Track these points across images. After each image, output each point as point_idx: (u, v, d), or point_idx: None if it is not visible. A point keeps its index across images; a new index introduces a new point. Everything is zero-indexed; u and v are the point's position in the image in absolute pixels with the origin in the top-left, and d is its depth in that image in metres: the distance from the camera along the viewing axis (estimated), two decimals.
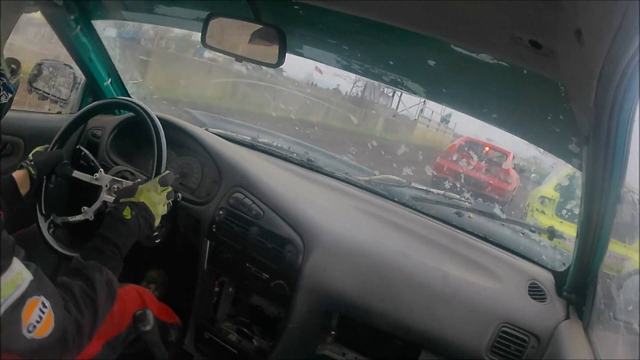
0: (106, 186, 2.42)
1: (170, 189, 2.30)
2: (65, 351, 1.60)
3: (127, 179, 2.49)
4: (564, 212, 7.13)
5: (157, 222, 2.21)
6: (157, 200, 2.21)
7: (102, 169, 2.47)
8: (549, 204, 8.39)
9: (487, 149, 12.42)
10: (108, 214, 2.09)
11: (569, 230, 5.30)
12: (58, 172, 2.42)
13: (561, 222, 6.33)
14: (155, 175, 2.36)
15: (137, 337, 2.28)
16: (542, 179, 9.32)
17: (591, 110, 1.43)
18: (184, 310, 2.74)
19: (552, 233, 2.72)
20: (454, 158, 10.39)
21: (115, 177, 2.46)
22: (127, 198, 2.14)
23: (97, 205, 2.39)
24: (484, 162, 11.47)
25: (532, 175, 10.31)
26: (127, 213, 2.06)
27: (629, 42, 1.09)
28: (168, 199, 2.29)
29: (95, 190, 2.46)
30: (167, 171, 2.39)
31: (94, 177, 2.44)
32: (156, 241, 2.59)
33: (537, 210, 8.50)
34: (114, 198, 2.30)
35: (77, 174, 2.44)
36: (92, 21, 2.92)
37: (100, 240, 1.95)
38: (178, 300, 2.76)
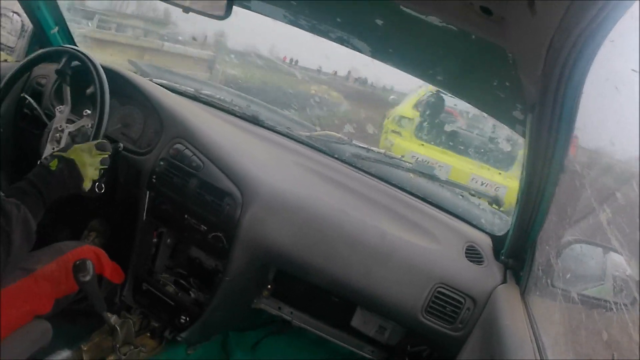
0: (59, 127, 2.40)
1: (106, 155, 2.21)
2: None
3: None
4: (422, 132, 7.65)
5: (86, 184, 2.14)
6: (88, 162, 2.14)
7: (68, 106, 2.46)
8: (407, 125, 7.76)
9: None
10: (40, 163, 2.05)
11: (432, 153, 5.96)
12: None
13: (422, 144, 7.03)
14: (94, 138, 2.30)
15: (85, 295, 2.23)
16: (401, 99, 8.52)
17: (539, 79, 1.42)
18: (123, 261, 2.66)
19: (495, 200, 2.77)
20: None
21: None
22: (60, 152, 2.10)
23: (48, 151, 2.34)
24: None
25: (391, 97, 9.06)
26: (53, 165, 2.03)
27: (582, 15, 1.07)
28: (102, 165, 2.20)
29: (38, 141, 2.44)
30: (105, 141, 2.29)
31: (58, 109, 2.45)
32: (97, 191, 2.54)
33: (392, 131, 7.71)
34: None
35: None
36: None
37: (25, 182, 1.95)
38: (118, 251, 2.67)
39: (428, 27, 1.85)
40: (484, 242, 2.55)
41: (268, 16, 2.69)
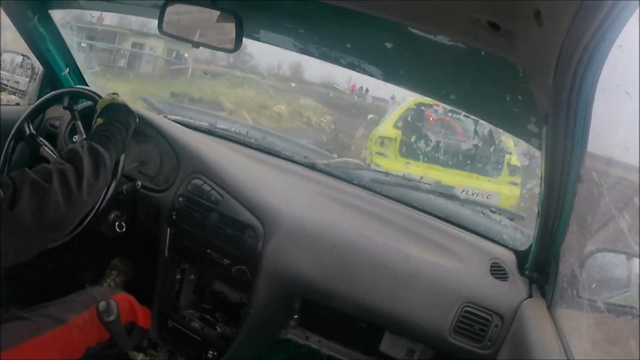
0: None
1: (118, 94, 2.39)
2: (41, 192, 1.68)
3: None
4: (406, 150, 7.43)
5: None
6: (114, 96, 2.35)
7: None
8: (389, 145, 7.66)
9: None
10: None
11: (419, 170, 5.62)
12: None
13: (407, 162, 6.93)
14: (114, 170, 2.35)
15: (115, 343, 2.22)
16: (381, 118, 8.37)
17: (550, 90, 1.42)
18: (147, 299, 2.64)
19: (512, 214, 2.77)
20: None
21: None
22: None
23: None
24: None
25: (370, 115, 8.61)
26: (99, 121, 2.19)
27: (588, 23, 1.07)
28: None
29: None
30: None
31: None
32: (117, 230, 2.57)
33: (376, 153, 7.55)
34: None
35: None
36: (49, 11, 2.83)
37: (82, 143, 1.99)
38: (141, 289, 2.67)
39: (437, 47, 1.87)
40: (508, 258, 2.53)
41: (278, 46, 2.72)
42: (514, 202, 6.93)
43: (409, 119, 7.89)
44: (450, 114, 7.39)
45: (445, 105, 5.56)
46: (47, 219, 1.70)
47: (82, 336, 2.02)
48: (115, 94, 2.38)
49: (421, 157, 7.28)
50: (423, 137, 7.46)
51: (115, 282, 2.91)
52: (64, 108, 2.56)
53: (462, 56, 1.90)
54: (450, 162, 7.26)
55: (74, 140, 2.53)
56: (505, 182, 7.28)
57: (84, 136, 2.48)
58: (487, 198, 6.84)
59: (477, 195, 6.75)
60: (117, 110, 2.25)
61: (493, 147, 7.28)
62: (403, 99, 7.63)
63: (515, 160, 7.33)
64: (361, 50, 2.41)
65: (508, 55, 1.63)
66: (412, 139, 7.55)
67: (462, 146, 7.57)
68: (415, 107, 7.68)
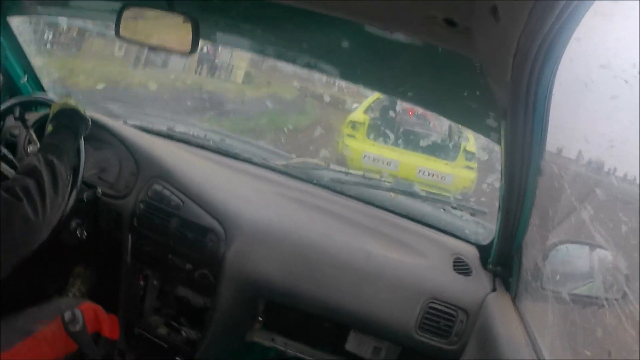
0: None
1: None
2: (10, 207, 1.70)
3: None
4: (373, 134, 8.61)
5: (82, 111, 2.30)
6: (66, 100, 2.32)
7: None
8: (359, 128, 8.64)
9: None
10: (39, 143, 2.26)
11: (382, 151, 7.09)
12: None
13: (373, 144, 8.30)
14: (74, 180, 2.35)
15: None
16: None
17: (508, 85, 1.42)
18: (112, 307, 2.62)
19: (473, 209, 2.79)
20: None
21: None
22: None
23: None
24: None
25: (354, 105, 9.91)
26: (49, 129, 2.19)
27: (545, 17, 1.07)
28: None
29: None
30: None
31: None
32: (80, 237, 2.53)
33: (347, 135, 8.63)
34: None
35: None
36: (6, 18, 2.77)
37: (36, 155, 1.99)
38: (106, 297, 2.65)
39: (394, 45, 1.87)
40: (471, 253, 2.55)
41: (235, 47, 2.71)
42: (467, 184, 7.90)
43: (376, 107, 8.98)
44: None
45: None
46: (17, 234, 1.72)
47: (50, 349, 1.99)
48: (68, 97, 2.36)
49: (384, 140, 8.54)
50: (388, 122, 8.71)
51: (80, 290, 2.87)
52: (15, 119, 2.53)
53: (419, 53, 1.91)
54: (410, 146, 8.38)
55: (28, 151, 2.49)
56: (460, 166, 8.14)
57: (38, 146, 2.45)
58: (441, 179, 7.84)
59: (433, 176, 7.86)
60: (68, 116, 2.23)
61: (450, 133, 8.47)
62: None
63: (471, 146, 8.24)
64: (318, 50, 2.41)
65: (465, 52, 1.64)
66: (377, 125, 8.70)
67: (422, 132, 8.78)
68: (382, 96, 8.29)
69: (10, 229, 1.68)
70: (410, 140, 8.47)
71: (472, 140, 8.23)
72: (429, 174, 7.89)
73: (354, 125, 8.76)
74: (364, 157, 8.09)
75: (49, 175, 1.88)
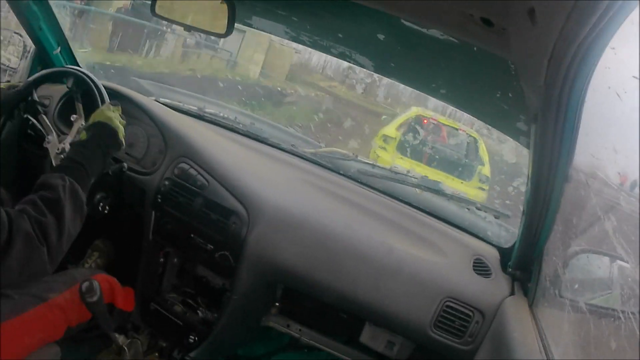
0: (57, 150, 2.41)
1: (119, 108, 2.34)
2: (33, 250, 1.70)
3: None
4: (403, 149, 9.32)
5: (120, 135, 2.25)
6: (111, 115, 2.25)
7: (52, 134, 2.47)
8: (390, 142, 9.40)
9: None
10: (71, 143, 2.26)
11: (406, 164, 7.26)
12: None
13: (401, 157, 8.92)
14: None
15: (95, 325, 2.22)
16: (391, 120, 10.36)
17: (541, 88, 1.41)
18: (129, 281, 2.62)
19: (497, 212, 2.77)
20: None
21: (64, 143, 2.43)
22: (84, 125, 2.23)
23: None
24: None
25: (383, 117, 11.55)
26: (83, 136, 2.14)
27: (582, 23, 1.06)
28: (122, 119, 2.31)
29: (42, 162, 2.47)
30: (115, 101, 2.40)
31: (46, 140, 2.45)
32: (102, 211, 2.55)
33: (379, 147, 9.33)
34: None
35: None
36: None
37: (65, 160, 2.07)
38: (124, 271, 2.65)
39: (430, 41, 1.86)
40: (491, 255, 2.54)
41: (269, 33, 2.71)
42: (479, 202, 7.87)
43: (409, 126, 9.81)
44: (443, 126, 9.65)
45: (437, 119, 8.85)
46: (31, 271, 1.76)
47: (62, 316, 2.00)
48: (116, 106, 2.36)
49: (412, 156, 9.27)
50: (416, 141, 9.59)
51: (97, 263, 2.90)
52: (68, 88, 2.54)
53: (454, 51, 1.90)
54: (433, 163, 9.17)
55: (71, 119, 2.50)
56: (474, 186, 8.90)
57: (82, 119, 2.49)
58: None
59: None
60: (105, 133, 2.21)
61: (467, 155, 9.61)
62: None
63: (486, 170, 9.30)
64: (353, 41, 2.40)
65: (500, 52, 1.63)
66: (408, 141, 9.47)
67: (446, 153, 9.72)
68: (415, 117, 9.75)
69: (28, 268, 1.72)
70: (432, 159, 9.34)
71: (487, 165, 9.34)
72: None
73: (385, 138, 9.54)
74: (392, 168, 8.31)
75: (71, 210, 1.90)
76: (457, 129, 9.80)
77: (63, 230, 1.82)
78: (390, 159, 8.66)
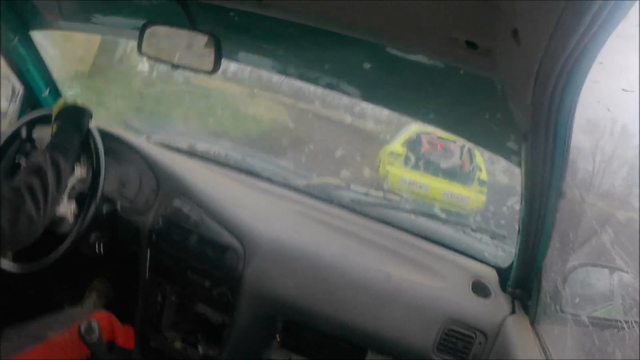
0: None
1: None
2: (19, 209, 1.80)
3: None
4: (409, 163, 10.31)
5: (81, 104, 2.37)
6: (67, 100, 2.39)
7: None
8: (397, 158, 10.29)
9: None
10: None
11: (413, 176, 9.97)
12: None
13: (408, 171, 10.01)
14: (93, 189, 2.40)
15: None
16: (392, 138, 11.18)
17: (529, 108, 1.41)
18: (128, 320, 2.63)
19: (493, 232, 2.78)
20: None
21: None
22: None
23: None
24: None
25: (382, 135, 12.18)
26: (54, 128, 2.27)
27: (566, 41, 1.08)
28: None
29: None
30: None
31: None
32: (97, 252, 2.55)
33: (388, 163, 10.27)
34: None
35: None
36: (30, 32, 2.81)
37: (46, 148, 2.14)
38: (123, 310, 2.66)
39: (416, 66, 1.88)
40: (490, 275, 2.53)
41: (256, 67, 2.72)
42: (480, 205, 9.61)
43: (412, 141, 10.57)
44: (440, 140, 10.26)
45: (436, 134, 9.54)
46: (22, 231, 1.81)
47: (62, 354, 2.02)
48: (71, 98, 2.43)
49: (417, 168, 10.24)
50: (420, 154, 10.44)
51: (95, 303, 2.89)
52: (24, 141, 2.55)
53: (440, 75, 1.92)
54: (439, 174, 10.07)
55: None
56: (475, 190, 9.96)
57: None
58: (461, 200, 9.64)
59: (454, 198, 9.67)
60: (70, 113, 2.30)
61: (469, 164, 10.41)
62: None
63: (483, 175, 10.15)
64: (339, 71, 2.42)
65: (486, 74, 1.64)
66: (413, 155, 10.38)
67: (446, 163, 10.48)
68: (416, 134, 10.42)
69: (17, 227, 1.77)
70: (436, 169, 10.17)
71: (484, 171, 10.16)
72: (451, 196, 9.64)
73: (392, 154, 10.42)
74: (402, 181, 9.81)
75: (54, 174, 1.96)
76: (454, 141, 10.25)
77: (47, 189, 1.90)
78: (399, 173, 10.02)
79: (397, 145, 10.63)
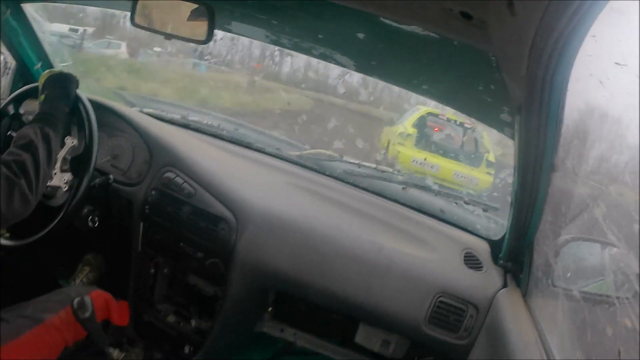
0: None
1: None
2: (13, 185, 1.82)
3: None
4: (420, 144, 10.70)
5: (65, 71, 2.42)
6: (52, 70, 2.43)
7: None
8: (408, 138, 10.56)
9: None
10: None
11: (424, 156, 10.22)
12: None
13: (419, 151, 10.34)
14: (86, 158, 2.39)
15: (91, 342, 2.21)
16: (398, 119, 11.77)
17: (523, 79, 1.41)
18: (121, 294, 2.61)
19: (486, 205, 2.78)
20: None
21: None
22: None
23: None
24: None
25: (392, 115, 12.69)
26: (42, 98, 2.28)
27: (561, 12, 1.07)
28: None
29: None
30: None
31: None
32: (91, 225, 2.55)
33: (398, 143, 10.42)
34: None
35: None
36: (21, 4, 2.77)
37: (34, 117, 2.19)
38: (116, 284, 2.67)
39: (410, 37, 1.85)
40: (482, 248, 2.54)
41: (250, 37, 2.70)
42: (488, 185, 9.64)
43: (423, 123, 10.97)
44: (450, 121, 10.83)
45: (445, 115, 10.18)
46: (16, 208, 1.83)
47: (59, 336, 2.00)
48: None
49: (429, 148, 10.65)
50: (430, 135, 10.97)
51: (88, 277, 2.88)
52: (12, 117, 2.55)
53: (434, 46, 1.90)
54: (449, 154, 10.51)
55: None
56: (483, 171, 10.21)
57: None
58: (470, 181, 9.80)
59: (464, 178, 9.80)
60: (57, 82, 2.33)
61: (476, 146, 10.95)
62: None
63: (491, 157, 10.40)
64: (333, 41, 2.40)
65: (481, 45, 1.63)
66: (423, 136, 10.87)
67: (457, 144, 11.17)
68: (426, 114, 10.86)
69: (11, 204, 1.80)
70: (446, 150, 10.62)
71: (491, 152, 10.48)
72: (461, 177, 9.86)
73: (402, 135, 10.64)
74: (413, 161, 9.83)
75: (44, 149, 1.99)
76: (463, 122, 10.74)
77: (39, 166, 1.93)
78: (410, 153, 10.13)
79: (408, 126, 10.82)
